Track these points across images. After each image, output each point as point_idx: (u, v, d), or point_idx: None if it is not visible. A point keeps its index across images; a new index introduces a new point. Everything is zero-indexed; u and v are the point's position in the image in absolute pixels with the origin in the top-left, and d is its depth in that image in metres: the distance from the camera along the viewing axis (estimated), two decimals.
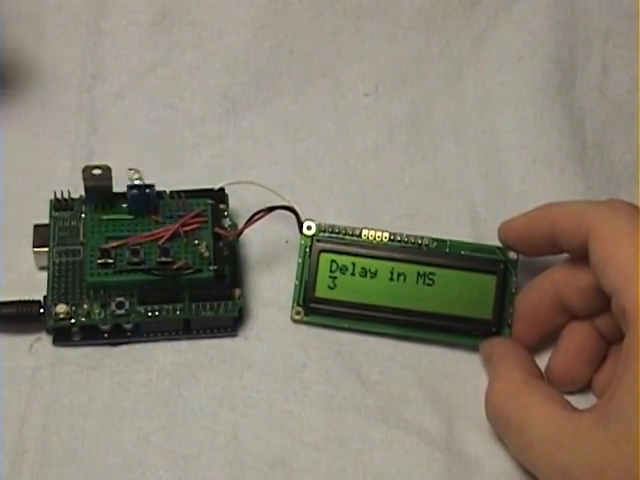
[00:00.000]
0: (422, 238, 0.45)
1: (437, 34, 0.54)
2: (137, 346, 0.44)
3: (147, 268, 0.43)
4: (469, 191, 0.50)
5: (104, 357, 0.44)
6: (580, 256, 0.41)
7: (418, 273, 0.45)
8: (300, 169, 0.50)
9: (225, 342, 0.45)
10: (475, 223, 0.49)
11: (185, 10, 0.53)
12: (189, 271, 0.43)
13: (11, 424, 0.42)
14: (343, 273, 0.45)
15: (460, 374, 0.45)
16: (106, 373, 0.44)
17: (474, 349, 0.46)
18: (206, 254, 0.44)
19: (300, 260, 0.45)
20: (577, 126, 0.51)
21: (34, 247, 0.45)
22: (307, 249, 0.45)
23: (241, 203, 0.47)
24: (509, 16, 0.54)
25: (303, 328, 0.46)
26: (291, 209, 0.45)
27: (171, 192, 0.46)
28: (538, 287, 0.44)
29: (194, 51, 0.53)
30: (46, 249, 0.45)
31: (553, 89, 0.52)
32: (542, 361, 0.44)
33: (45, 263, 0.45)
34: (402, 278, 0.45)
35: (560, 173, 0.50)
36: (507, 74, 0.53)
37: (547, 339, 0.45)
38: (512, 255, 0.45)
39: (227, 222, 0.46)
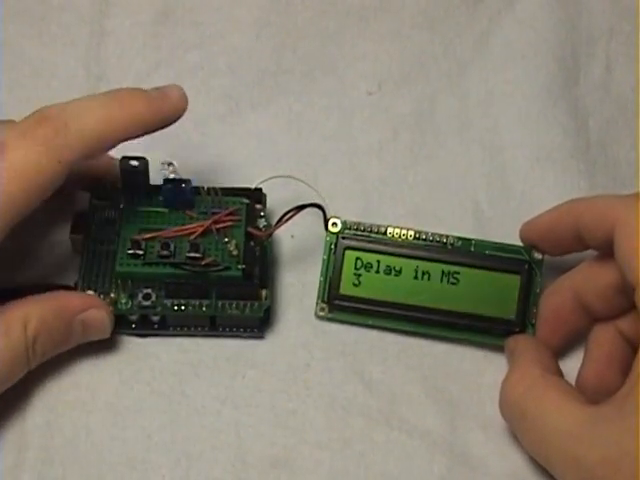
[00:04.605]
0: (447, 237, 0.45)
1: (440, 33, 0.53)
2: (140, 344, 0.45)
3: (176, 262, 0.43)
4: (473, 190, 0.50)
5: (107, 355, 0.44)
6: (605, 251, 0.41)
7: (442, 272, 0.45)
8: (304, 168, 0.49)
9: (229, 341, 0.45)
10: (479, 222, 0.49)
11: (188, 10, 0.53)
12: (217, 268, 0.43)
13: (14, 421, 0.43)
14: (368, 270, 0.45)
15: (464, 373, 0.45)
16: (109, 371, 0.44)
17: (489, 348, 0.46)
18: (234, 252, 0.44)
19: (325, 257, 0.46)
20: (581, 124, 0.51)
21: (71, 233, 0.45)
22: (332, 246, 0.46)
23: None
24: (512, 15, 0.53)
25: (306, 328, 0.46)
26: (319, 206, 0.45)
27: (208, 188, 0.46)
28: (559, 289, 0.44)
29: (197, 51, 0.53)
30: (81, 236, 0.45)
31: (557, 87, 0.52)
32: (565, 367, 0.44)
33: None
34: (426, 276, 0.45)
35: (564, 171, 0.50)
36: (510, 72, 0.52)
37: (572, 342, 0.45)
38: (537, 255, 0.45)
39: (262, 222, 0.46)
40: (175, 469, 0.42)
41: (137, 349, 0.45)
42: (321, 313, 0.46)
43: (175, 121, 0.42)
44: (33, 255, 0.46)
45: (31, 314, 0.41)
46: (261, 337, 0.45)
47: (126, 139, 0.41)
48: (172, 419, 0.43)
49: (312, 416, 0.44)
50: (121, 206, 0.46)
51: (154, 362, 0.44)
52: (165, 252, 0.43)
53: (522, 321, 0.45)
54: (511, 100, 0.52)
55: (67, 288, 0.44)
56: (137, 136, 0.41)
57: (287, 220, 0.44)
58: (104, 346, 0.44)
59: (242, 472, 0.42)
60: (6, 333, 0.40)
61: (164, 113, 0.41)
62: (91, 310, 0.43)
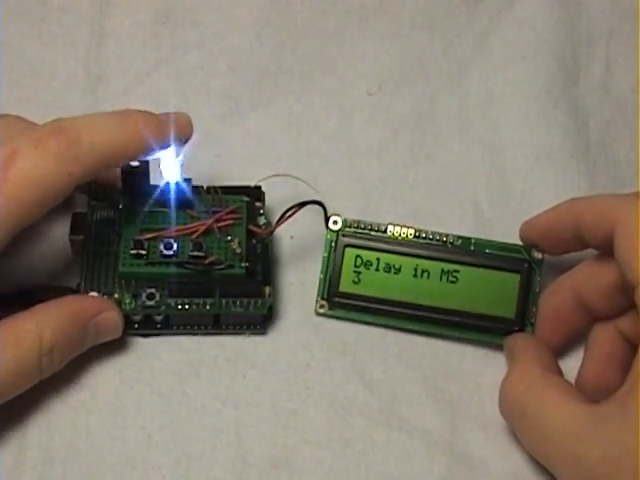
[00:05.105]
0: (447, 235, 0.46)
1: (440, 33, 0.53)
2: (140, 344, 0.45)
3: (179, 261, 0.43)
4: (473, 190, 0.50)
5: (107, 355, 0.44)
6: (605, 250, 0.41)
7: (442, 270, 0.45)
8: (304, 168, 0.49)
9: (229, 341, 0.45)
10: (479, 222, 0.49)
11: (188, 10, 0.53)
12: (220, 266, 0.43)
13: (14, 421, 0.42)
14: (367, 268, 0.45)
15: (464, 373, 0.45)
16: (109, 371, 0.44)
17: (489, 347, 0.46)
18: (238, 250, 0.44)
19: (325, 254, 0.46)
20: (581, 124, 0.51)
21: (70, 235, 0.45)
22: (332, 244, 0.46)
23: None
24: (512, 14, 0.53)
25: (306, 328, 0.46)
26: (320, 203, 0.45)
27: (208, 187, 0.46)
28: (559, 289, 0.44)
29: (197, 51, 0.53)
30: (81, 237, 0.45)
31: (557, 87, 0.52)
32: (565, 366, 0.44)
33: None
34: (426, 275, 0.45)
35: (564, 171, 0.50)
36: (510, 72, 0.52)
37: (572, 341, 0.45)
38: (537, 255, 0.45)
39: (262, 220, 0.46)
40: (175, 469, 0.42)
41: (137, 349, 0.45)
42: (321, 310, 0.46)
43: (180, 147, 0.43)
44: (32, 256, 0.46)
45: (46, 324, 0.41)
46: (263, 333, 0.45)
47: (133, 159, 0.42)
48: (172, 419, 0.43)
49: (312, 416, 0.44)
50: (120, 206, 0.46)
51: (154, 362, 0.44)
52: (168, 252, 0.43)
53: (521, 320, 0.45)
54: (511, 100, 0.52)
55: (69, 290, 0.44)
56: (142, 157, 0.42)
57: (288, 217, 0.44)
58: (104, 346, 0.44)
59: (242, 472, 0.42)
60: (16, 344, 0.40)
61: (171, 138, 0.42)
62: (104, 313, 0.43)
